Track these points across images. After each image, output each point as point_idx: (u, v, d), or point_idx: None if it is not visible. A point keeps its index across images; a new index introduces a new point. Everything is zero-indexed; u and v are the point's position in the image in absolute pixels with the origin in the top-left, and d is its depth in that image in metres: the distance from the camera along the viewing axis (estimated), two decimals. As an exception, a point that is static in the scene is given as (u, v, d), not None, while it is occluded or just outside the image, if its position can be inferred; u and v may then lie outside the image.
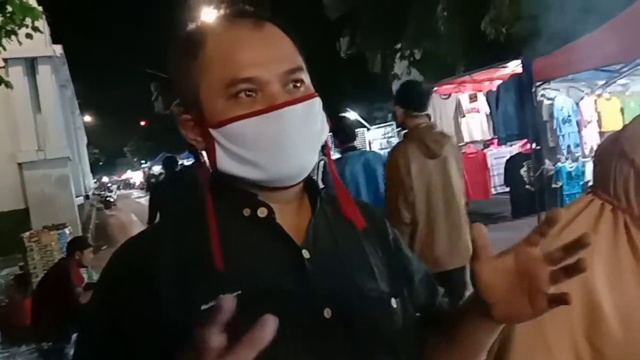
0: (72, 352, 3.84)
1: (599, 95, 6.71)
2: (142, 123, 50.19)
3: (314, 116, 0.80)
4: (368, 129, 16.51)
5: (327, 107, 0.85)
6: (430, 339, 0.90)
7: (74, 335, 4.53)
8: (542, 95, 6.43)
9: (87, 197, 16.63)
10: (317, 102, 0.81)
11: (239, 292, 0.71)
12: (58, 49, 10.88)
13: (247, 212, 0.80)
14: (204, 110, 0.79)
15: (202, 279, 0.74)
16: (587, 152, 6.51)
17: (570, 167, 6.31)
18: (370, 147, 15.77)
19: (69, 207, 9.93)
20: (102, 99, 38.89)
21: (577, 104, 6.52)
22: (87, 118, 32.18)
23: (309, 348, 0.74)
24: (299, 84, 0.80)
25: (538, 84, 6.34)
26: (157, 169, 29.06)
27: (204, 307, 0.71)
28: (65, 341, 4.32)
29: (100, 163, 54.10)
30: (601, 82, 6.73)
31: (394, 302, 0.85)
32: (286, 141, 0.76)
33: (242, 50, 0.77)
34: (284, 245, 0.79)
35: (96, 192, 28.95)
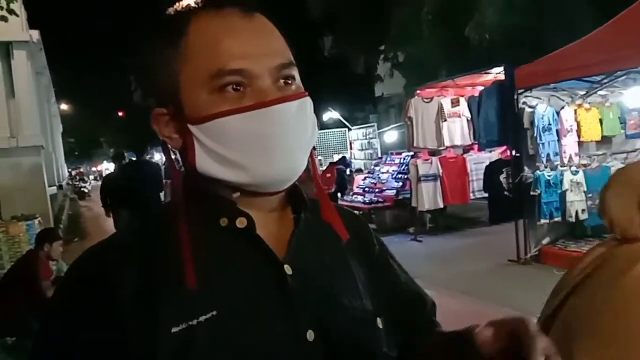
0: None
1: (580, 106, 6.76)
2: (120, 114, 49.50)
3: (306, 117, 0.73)
4: (350, 129, 16.53)
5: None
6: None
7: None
8: (524, 103, 6.46)
9: (60, 187, 16.29)
10: (309, 102, 0.74)
11: (214, 312, 0.65)
12: (35, 34, 10.59)
13: (224, 222, 0.72)
14: (184, 104, 0.71)
15: (172, 298, 0.66)
16: (566, 161, 6.56)
17: (549, 176, 6.34)
18: (351, 147, 15.81)
19: (41, 197, 9.69)
20: (80, 87, 38.08)
21: (558, 113, 6.56)
22: (64, 106, 31.54)
23: None
24: (290, 81, 0.72)
25: (520, 91, 6.37)
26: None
27: (174, 330, 0.63)
28: (30, 336, 4.17)
29: (76, 153, 53.15)
30: (582, 93, 6.79)
31: (379, 322, 0.79)
32: (276, 142, 0.68)
33: (231, 40, 0.69)
34: (265, 259, 0.71)
35: (70, 183, 28.41)
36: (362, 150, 15.30)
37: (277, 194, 0.74)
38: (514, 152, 6.62)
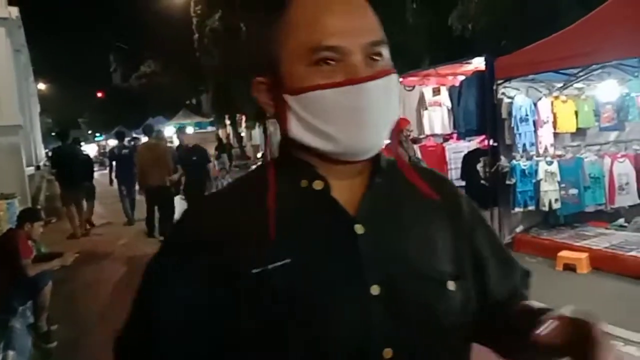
0: (17, 324, 3.66)
1: (556, 97, 6.90)
2: (99, 94, 48.68)
3: (392, 92, 0.78)
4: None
5: None
6: (496, 331, 0.86)
7: (20, 308, 4.41)
8: (503, 94, 6.58)
9: (38, 167, 16.05)
10: (395, 78, 0.80)
11: (287, 260, 0.75)
12: (14, 11, 10.35)
13: (304, 183, 0.81)
14: (282, 74, 0.78)
15: (253, 243, 0.77)
16: (541, 151, 6.72)
17: (525, 166, 6.50)
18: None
19: (18, 177, 9.54)
20: (58, 66, 37.58)
21: (535, 104, 6.70)
22: (42, 86, 30.96)
23: (355, 321, 0.75)
24: (379, 57, 0.77)
25: (499, 82, 6.49)
26: (112, 142, 28.28)
27: (254, 270, 0.75)
28: (10, 312, 4.19)
29: (53, 133, 52.22)
30: (559, 85, 6.93)
31: (451, 285, 0.81)
32: (364, 117, 0.74)
33: (329, 16, 0.75)
34: (337, 219, 0.79)
35: (47, 163, 27.93)
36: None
37: (359, 162, 0.81)
38: (491, 142, 6.74)
